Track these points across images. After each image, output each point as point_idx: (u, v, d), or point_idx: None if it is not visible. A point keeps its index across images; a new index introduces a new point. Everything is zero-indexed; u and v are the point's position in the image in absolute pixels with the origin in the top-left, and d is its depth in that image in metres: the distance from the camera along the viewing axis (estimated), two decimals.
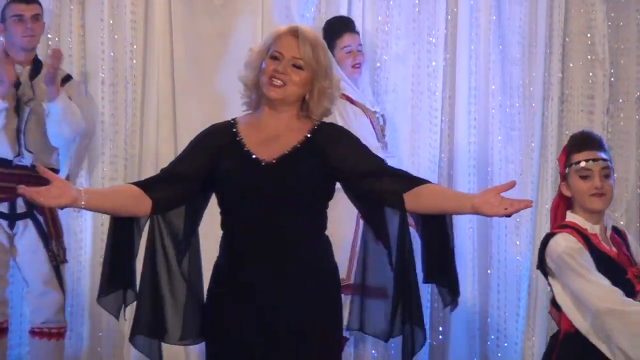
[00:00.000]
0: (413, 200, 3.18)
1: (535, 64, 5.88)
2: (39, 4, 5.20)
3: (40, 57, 5.28)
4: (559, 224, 4.08)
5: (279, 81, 3.22)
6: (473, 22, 5.90)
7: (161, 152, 5.70)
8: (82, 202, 3.08)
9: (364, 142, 3.39)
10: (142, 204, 3.21)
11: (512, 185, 3.13)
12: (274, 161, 3.23)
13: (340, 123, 4.54)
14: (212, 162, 3.27)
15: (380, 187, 3.21)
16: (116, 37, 5.74)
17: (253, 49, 3.32)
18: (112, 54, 5.72)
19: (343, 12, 5.82)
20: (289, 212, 3.19)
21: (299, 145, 3.25)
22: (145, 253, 3.28)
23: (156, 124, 5.74)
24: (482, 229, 5.88)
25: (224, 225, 3.28)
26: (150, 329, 3.25)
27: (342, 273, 5.04)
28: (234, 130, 3.31)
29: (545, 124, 5.87)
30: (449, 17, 5.92)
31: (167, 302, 3.28)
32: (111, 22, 5.72)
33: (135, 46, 5.77)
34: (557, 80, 5.86)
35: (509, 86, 5.90)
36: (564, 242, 3.91)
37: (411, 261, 3.24)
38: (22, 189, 3.05)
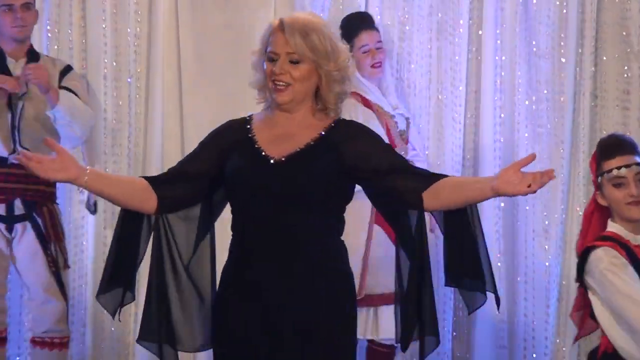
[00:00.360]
0: (433, 197, 3.09)
1: (566, 57, 5.66)
2: None
3: (36, 49, 5.10)
4: (599, 234, 3.93)
5: (281, 83, 3.12)
6: (498, 12, 5.69)
7: (167, 150, 5.58)
8: (84, 180, 3.07)
9: None
10: (148, 200, 3.17)
11: (532, 158, 3.03)
12: (283, 159, 3.14)
13: None
14: (223, 159, 3.19)
15: (400, 186, 3.12)
16: (119, 28, 5.60)
17: (255, 51, 3.22)
18: (114, 46, 5.58)
19: (361, 4, 5.63)
20: (299, 211, 3.12)
21: (312, 143, 3.17)
22: (151, 257, 3.22)
23: (161, 120, 5.60)
24: (509, 232, 5.71)
25: (233, 225, 3.22)
26: (159, 336, 3.23)
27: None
28: (248, 126, 3.23)
29: (577, 121, 5.66)
30: (473, 6, 5.71)
31: (176, 309, 3.25)
32: (114, 12, 5.58)
33: (139, 38, 5.62)
34: (589, 74, 5.64)
35: (536, 80, 5.69)
36: (606, 258, 3.78)
37: (427, 264, 3.17)
38: (21, 153, 3.06)
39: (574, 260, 5.55)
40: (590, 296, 3.82)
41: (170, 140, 5.59)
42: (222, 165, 3.18)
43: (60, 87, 4.89)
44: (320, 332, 3.13)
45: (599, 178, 3.90)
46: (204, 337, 3.26)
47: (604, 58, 5.68)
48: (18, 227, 4.93)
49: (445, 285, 3.20)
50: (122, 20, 5.58)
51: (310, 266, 3.15)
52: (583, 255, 3.86)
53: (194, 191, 3.22)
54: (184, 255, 3.23)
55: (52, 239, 4.92)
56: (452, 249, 3.15)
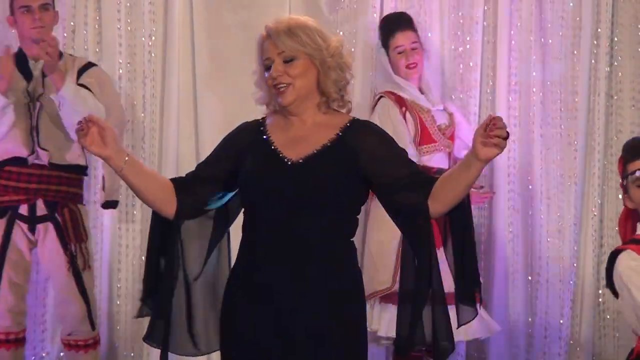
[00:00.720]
0: (435, 202, 3.08)
1: (580, 58, 5.64)
2: None
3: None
4: (629, 238, 3.92)
5: (282, 85, 3.12)
6: (514, 13, 5.67)
7: (182, 150, 5.55)
8: (122, 163, 3.08)
9: None
10: (170, 203, 3.17)
11: (490, 118, 2.96)
12: (300, 161, 3.12)
13: (377, 122, 4.45)
14: (238, 161, 3.17)
15: (406, 199, 3.11)
16: (134, 29, 5.55)
17: (255, 71, 3.22)
18: (129, 47, 5.54)
19: (375, 4, 5.59)
20: (313, 213, 3.09)
21: (329, 144, 3.15)
22: (165, 262, 3.20)
23: (176, 121, 5.56)
24: (523, 233, 5.70)
25: (245, 227, 3.19)
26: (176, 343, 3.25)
27: (386, 280, 4.88)
28: (262, 129, 3.21)
29: (592, 121, 5.65)
30: (487, 7, 5.68)
31: (197, 312, 3.27)
32: (128, 12, 5.53)
33: (154, 38, 5.58)
34: (604, 74, 5.62)
35: (551, 81, 5.68)
36: (625, 261, 3.76)
37: (437, 270, 3.14)
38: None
39: (588, 261, 5.57)
40: (620, 299, 3.83)
41: (185, 140, 5.56)
42: (238, 167, 3.17)
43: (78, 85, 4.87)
44: (332, 335, 3.11)
45: (625, 180, 3.88)
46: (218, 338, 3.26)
47: (619, 58, 5.66)
48: (40, 227, 4.92)
49: (458, 303, 3.17)
50: (137, 21, 5.53)
51: (323, 269, 3.13)
52: (610, 259, 3.85)
53: (212, 195, 3.22)
54: (198, 260, 3.23)
55: (72, 239, 4.90)
56: (458, 265, 3.14)
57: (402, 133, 5.07)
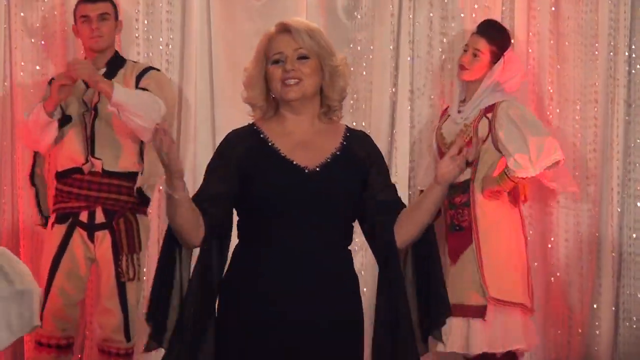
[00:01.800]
0: (400, 228, 3.13)
1: (598, 66, 5.63)
2: (109, 1, 5.01)
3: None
4: None
5: (292, 80, 3.10)
6: (530, 20, 5.66)
7: (199, 158, 5.52)
8: (183, 183, 3.02)
9: None
10: (200, 233, 3.08)
11: (459, 147, 3.04)
12: (317, 169, 3.11)
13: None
14: (240, 171, 3.12)
15: (378, 222, 3.14)
16: (151, 37, 5.56)
17: (247, 67, 3.20)
18: (147, 55, 5.54)
19: (394, 12, 5.59)
20: (326, 220, 3.11)
21: (338, 153, 3.16)
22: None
23: (194, 130, 5.56)
24: (539, 239, 5.61)
25: (246, 235, 3.16)
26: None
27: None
28: (262, 136, 3.16)
29: (610, 129, 5.61)
30: (503, 16, 5.69)
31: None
32: (145, 22, 5.55)
33: (171, 47, 5.58)
34: (623, 83, 5.59)
35: (568, 88, 5.66)
36: None
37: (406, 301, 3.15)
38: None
39: (607, 270, 5.53)
40: None
41: (203, 149, 5.54)
42: (242, 178, 3.11)
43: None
44: (342, 343, 3.13)
45: None
46: None
47: (638, 66, 5.64)
48: (99, 234, 4.95)
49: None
50: (154, 29, 5.55)
51: (332, 276, 3.13)
52: None
53: (227, 212, 3.15)
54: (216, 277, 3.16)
55: (124, 249, 4.92)
56: (421, 298, 3.15)
57: None
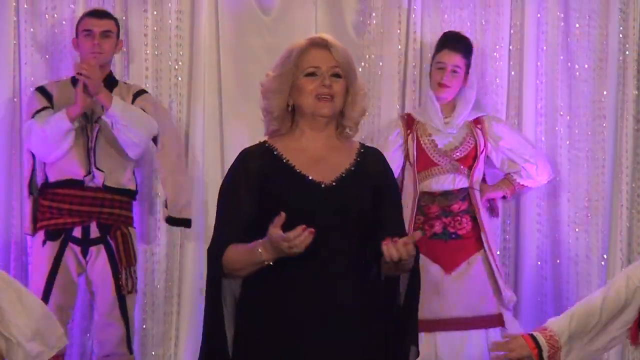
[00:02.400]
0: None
1: (607, 81, 5.60)
2: (114, 20, 5.01)
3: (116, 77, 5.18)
4: None
5: (327, 96, 3.11)
6: (540, 36, 5.65)
7: (208, 175, 5.54)
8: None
9: None
10: None
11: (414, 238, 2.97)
12: (333, 183, 3.11)
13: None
14: (260, 186, 3.12)
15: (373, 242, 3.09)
16: (160, 53, 5.57)
17: (270, 74, 3.20)
18: (156, 70, 5.55)
19: (402, 25, 5.60)
20: (342, 237, 3.10)
21: (352, 169, 3.17)
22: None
23: (202, 145, 5.55)
24: (553, 255, 5.64)
25: None
26: None
27: None
28: (275, 153, 3.16)
29: (619, 145, 5.59)
30: (513, 31, 5.66)
31: None
32: (155, 36, 5.55)
33: (180, 62, 5.59)
34: (632, 97, 5.56)
35: (578, 104, 5.63)
36: None
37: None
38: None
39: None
40: None
41: (211, 165, 5.55)
42: (261, 194, 3.11)
43: None
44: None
45: None
46: None
47: None
48: (93, 250, 4.95)
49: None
50: (163, 45, 5.55)
51: (354, 292, 3.12)
52: None
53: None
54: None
55: (123, 263, 4.92)
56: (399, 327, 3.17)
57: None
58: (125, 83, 5.15)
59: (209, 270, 3.12)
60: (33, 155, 5.03)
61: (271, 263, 2.96)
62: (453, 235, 5.15)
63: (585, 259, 5.58)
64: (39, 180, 5.03)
